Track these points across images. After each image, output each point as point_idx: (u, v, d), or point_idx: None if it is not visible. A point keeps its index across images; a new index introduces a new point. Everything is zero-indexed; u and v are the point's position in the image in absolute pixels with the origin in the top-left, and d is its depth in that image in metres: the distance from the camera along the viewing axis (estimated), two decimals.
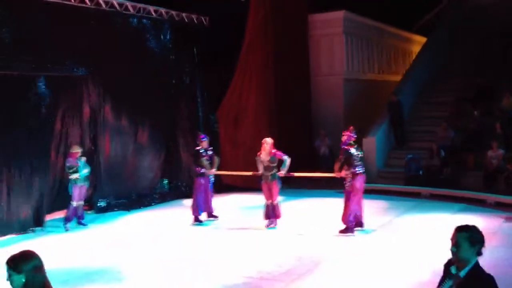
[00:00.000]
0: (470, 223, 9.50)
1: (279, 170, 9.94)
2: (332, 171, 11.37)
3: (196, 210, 10.57)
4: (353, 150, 9.28)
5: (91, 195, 11.79)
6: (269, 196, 9.90)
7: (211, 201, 10.86)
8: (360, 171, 9.29)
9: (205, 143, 10.67)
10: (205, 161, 10.59)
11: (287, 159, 9.86)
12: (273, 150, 9.85)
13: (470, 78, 16.98)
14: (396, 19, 19.93)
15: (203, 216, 10.72)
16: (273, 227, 9.89)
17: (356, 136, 9.60)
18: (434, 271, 7.10)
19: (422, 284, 6.68)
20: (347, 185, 9.32)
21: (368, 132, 15.22)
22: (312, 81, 16.86)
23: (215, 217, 10.87)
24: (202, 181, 10.60)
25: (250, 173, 10.88)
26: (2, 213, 9.84)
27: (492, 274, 6.77)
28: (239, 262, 7.90)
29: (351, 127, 9.51)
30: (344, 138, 9.37)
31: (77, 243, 9.40)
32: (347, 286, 6.69)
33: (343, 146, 9.41)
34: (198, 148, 10.67)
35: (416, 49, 21.14)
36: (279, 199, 10.06)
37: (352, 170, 9.23)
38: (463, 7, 20.51)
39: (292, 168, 15.33)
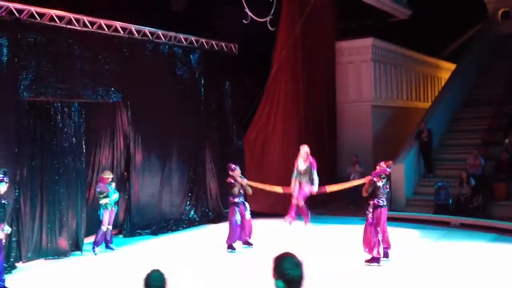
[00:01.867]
0: (501, 253, 9.42)
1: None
2: (358, 199, 11.37)
3: (230, 239, 10.48)
4: (379, 183, 9.23)
5: (122, 220, 11.93)
6: (298, 196, 9.67)
7: (248, 228, 10.68)
8: (382, 203, 9.23)
9: (237, 171, 10.63)
10: (238, 190, 10.58)
11: (316, 174, 9.78)
12: (310, 159, 9.81)
13: (501, 105, 16.79)
14: (424, 46, 19.94)
15: (238, 244, 10.60)
16: (290, 223, 9.64)
17: (390, 171, 9.50)
18: None
19: None
20: (369, 216, 9.25)
21: (397, 159, 15.09)
22: (339, 108, 16.90)
23: (250, 244, 10.77)
24: (237, 209, 10.54)
25: (280, 189, 10.69)
26: (38, 237, 10.00)
27: None
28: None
29: (390, 162, 9.41)
30: (378, 169, 9.27)
31: (105, 267, 9.51)
32: None
33: (373, 177, 9.31)
34: (229, 178, 10.62)
35: (445, 75, 21.05)
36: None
37: (376, 201, 9.18)
38: (493, 34, 20.42)
39: (319, 198, 15.44)
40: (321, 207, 15.28)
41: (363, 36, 17.06)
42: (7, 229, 8.01)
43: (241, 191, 10.67)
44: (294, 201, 9.72)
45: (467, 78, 18.69)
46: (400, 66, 18.68)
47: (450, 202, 13.73)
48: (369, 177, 9.39)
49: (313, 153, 14.76)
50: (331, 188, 10.63)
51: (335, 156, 16.50)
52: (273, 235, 12.07)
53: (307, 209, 9.82)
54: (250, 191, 10.87)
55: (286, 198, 14.57)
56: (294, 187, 9.81)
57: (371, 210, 9.21)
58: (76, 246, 10.54)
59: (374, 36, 17.11)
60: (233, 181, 10.54)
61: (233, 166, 10.67)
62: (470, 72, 18.88)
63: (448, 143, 16.76)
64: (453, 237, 11.30)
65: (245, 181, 10.75)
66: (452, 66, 20.61)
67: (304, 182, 9.69)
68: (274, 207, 14.50)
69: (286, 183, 14.56)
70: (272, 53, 14.94)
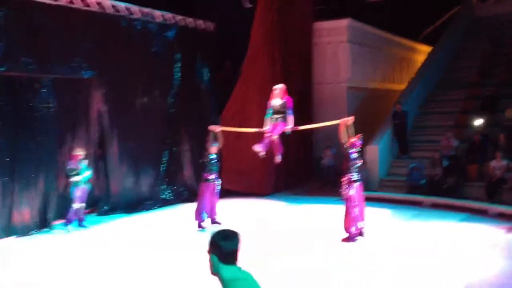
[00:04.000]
0: (473, 232, 9.56)
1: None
2: (334, 182, 11.27)
3: (200, 216, 10.52)
4: (353, 154, 9.30)
5: (96, 199, 11.81)
6: (272, 130, 9.54)
7: (215, 207, 10.81)
8: (355, 179, 9.30)
9: (214, 148, 10.67)
10: (214, 167, 10.61)
11: (292, 114, 9.66)
12: (286, 96, 9.72)
13: (475, 89, 16.98)
14: (401, 29, 20.00)
15: (207, 222, 10.68)
16: (260, 153, 9.58)
17: (361, 143, 9.56)
18: (435, 277, 7.14)
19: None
20: (343, 192, 9.32)
21: (371, 140, 15.20)
22: (316, 89, 16.90)
23: (218, 223, 10.83)
24: (208, 186, 10.58)
25: (255, 130, 10.65)
26: (8, 214, 9.86)
27: (492, 285, 6.83)
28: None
29: (359, 135, 9.47)
30: (348, 143, 9.35)
31: (78, 244, 9.41)
32: None
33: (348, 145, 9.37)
34: (208, 153, 10.64)
35: (420, 58, 21.17)
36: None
37: (350, 176, 9.24)
38: (468, 18, 20.58)
39: (292, 175, 15.48)
40: (296, 188, 15.40)
41: (340, 17, 17.00)
42: None
43: (216, 164, 10.67)
44: (267, 134, 9.62)
45: (443, 60, 18.84)
46: (377, 48, 18.70)
47: (423, 182, 13.90)
48: (343, 120, 9.42)
49: (290, 136, 14.76)
50: (304, 126, 10.58)
51: (311, 137, 16.55)
52: (247, 215, 12.13)
53: (279, 144, 9.74)
54: (221, 142, 10.82)
55: (264, 177, 14.69)
56: (269, 125, 9.71)
57: (345, 186, 9.28)
58: (45, 223, 10.42)
59: (353, 17, 17.06)
60: (211, 157, 10.59)
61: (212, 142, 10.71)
62: (446, 54, 19.03)
63: (422, 125, 16.91)
64: (425, 217, 11.45)
65: (218, 128, 10.79)
66: (428, 49, 20.74)
67: (279, 120, 9.61)
68: (250, 187, 14.56)
69: (262, 165, 14.65)
70: (249, 32, 14.80)
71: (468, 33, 19.78)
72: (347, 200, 9.29)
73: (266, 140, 9.61)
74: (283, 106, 9.67)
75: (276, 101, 9.71)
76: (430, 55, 19.50)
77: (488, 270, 7.65)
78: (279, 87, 9.78)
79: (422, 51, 21.71)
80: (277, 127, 9.61)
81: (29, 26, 10.17)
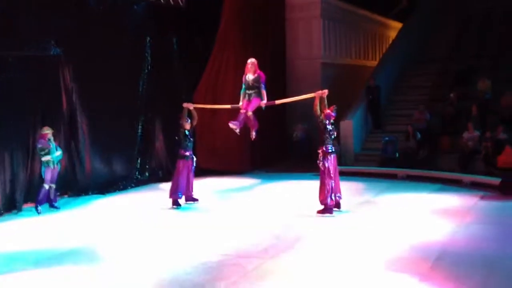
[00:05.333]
0: (446, 201, 9.69)
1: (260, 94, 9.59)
2: (307, 156, 11.15)
3: (176, 193, 10.37)
4: (329, 127, 9.25)
5: (66, 179, 11.53)
6: (246, 106, 9.49)
7: (192, 184, 10.67)
8: (331, 150, 9.26)
9: (188, 124, 10.51)
10: (189, 143, 10.46)
11: (265, 89, 9.56)
12: (258, 71, 9.63)
13: (447, 63, 17.10)
14: (373, 4, 19.96)
15: (182, 200, 10.55)
16: (236, 129, 9.49)
17: (335, 115, 9.50)
18: (411, 246, 7.17)
19: (400, 258, 6.69)
20: (320, 164, 9.28)
21: (346, 115, 15.20)
22: (289, 64, 16.80)
23: (195, 200, 10.71)
24: (184, 163, 10.42)
25: (229, 106, 10.50)
26: None
27: (467, 249, 6.88)
28: (215, 241, 7.79)
29: (333, 106, 9.40)
30: (323, 115, 9.29)
31: (48, 226, 9.16)
32: (326, 262, 6.63)
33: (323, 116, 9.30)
34: (183, 129, 10.47)
35: (393, 34, 21.19)
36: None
37: (324, 148, 9.20)
38: None
39: (266, 150, 15.37)
40: (272, 165, 15.34)
41: None
42: None
43: (191, 141, 10.57)
44: (242, 111, 9.53)
45: (416, 36, 18.88)
46: (350, 23, 18.65)
47: (397, 155, 13.98)
48: (318, 93, 9.37)
49: (261, 110, 14.70)
50: (280, 101, 10.49)
51: (284, 114, 16.48)
52: (223, 193, 12.04)
53: (254, 120, 9.65)
54: (195, 119, 10.70)
55: (239, 155, 14.58)
56: (243, 100, 9.62)
57: (321, 158, 9.24)
58: (14, 205, 10.18)
59: None
60: (186, 133, 10.46)
61: (186, 118, 10.54)
62: (419, 30, 19.08)
63: (396, 99, 17.02)
64: (399, 188, 11.54)
65: (191, 105, 10.68)
66: (400, 25, 20.76)
67: (253, 96, 9.53)
68: (225, 164, 14.45)
69: (237, 142, 14.53)
70: (220, 8, 14.57)
71: (440, 7, 19.81)
72: (322, 172, 9.25)
73: (241, 117, 9.52)
74: (256, 81, 9.58)
75: (249, 76, 9.61)
76: (402, 30, 19.54)
77: (463, 235, 7.72)
78: (251, 62, 9.68)
79: (394, 27, 21.73)
80: (252, 102, 9.53)
81: None
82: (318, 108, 9.33)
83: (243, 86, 9.72)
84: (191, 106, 10.67)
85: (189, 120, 10.57)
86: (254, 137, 9.89)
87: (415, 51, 18.64)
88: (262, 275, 6.22)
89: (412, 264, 6.46)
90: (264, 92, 9.62)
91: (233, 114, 13.76)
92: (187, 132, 10.51)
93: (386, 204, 10.07)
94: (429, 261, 6.54)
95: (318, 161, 9.33)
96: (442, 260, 6.61)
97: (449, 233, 7.81)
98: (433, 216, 8.93)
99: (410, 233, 7.86)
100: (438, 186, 11.60)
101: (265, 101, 9.61)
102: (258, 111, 9.81)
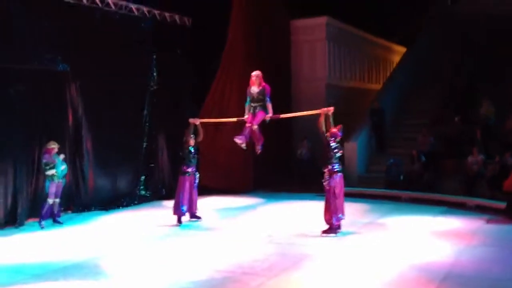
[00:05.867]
0: (451, 224, 9.59)
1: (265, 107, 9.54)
2: (311, 174, 10.98)
3: (179, 209, 10.30)
4: (332, 144, 9.21)
5: (70, 195, 11.51)
6: (252, 120, 9.42)
7: (195, 201, 10.62)
8: (337, 169, 9.21)
9: (192, 141, 10.50)
10: (193, 159, 10.44)
11: (270, 102, 9.52)
12: (263, 83, 9.54)
13: (450, 87, 17.16)
14: (378, 29, 20.13)
15: (186, 217, 10.48)
16: (242, 144, 9.42)
17: (341, 135, 9.47)
18: (417, 267, 7.09)
19: (405, 279, 6.62)
20: (325, 183, 9.22)
21: (350, 137, 15.20)
22: (294, 85, 16.89)
23: (198, 218, 10.65)
24: (186, 179, 10.39)
25: (235, 119, 10.44)
26: None
27: (473, 271, 6.80)
28: (219, 258, 7.73)
29: (340, 126, 9.36)
30: (329, 133, 9.26)
31: (52, 240, 9.13)
32: (330, 282, 6.57)
33: (328, 134, 9.26)
34: (187, 145, 10.45)
35: (396, 59, 21.36)
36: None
37: (330, 167, 9.15)
38: (443, 16, 20.80)
39: (269, 168, 15.32)
40: (276, 184, 15.26)
41: (317, 15, 17.03)
42: None
43: (194, 157, 10.55)
44: (247, 125, 9.48)
45: (419, 59, 18.98)
46: (354, 47, 18.78)
47: (401, 178, 13.94)
48: (323, 110, 9.33)
49: (266, 129, 14.72)
50: (285, 115, 10.44)
51: (289, 132, 16.48)
52: (227, 211, 11.99)
53: (260, 134, 9.59)
54: (201, 135, 10.70)
55: (243, 173, 14.53)
56: (248, 114, 9.57)
57: (327, 178, 9.19)
58: (17, 220, 10.18)
59: (330, 15, 17.09)
60: (191, 149, 10.48)
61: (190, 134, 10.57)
62: (422, 53, 19.18)
63: (400, 123, 17.03)
64: (403, 211, 11.47)
65: (198, 121, 10.67)
66: (403, 50, 20.93)
67: (258, 109, 9.48)
68: (230, 182, 14.39)
69: (240, 160, 14.51)
70: (227, 27, 14.71)
71: (443, 31, 19.95)
72: (327, 192, 9.20)
73: (247, 131, 9.48)
74: (261, 93, 9.54)
75: (254, 89, 9.59)
76: (406, 53, 19.68)
77: (470, 257, 7.65)
78: (255, 74, 9.65)
79: (398, 51, 21.90)
80: (257, 116, 9.49)
81: (2, 16, 9.87)
82: (323, 124, 9.30)
83: (248, 99, 9.69)
84: (197, 121, 10.67)
85: (194, 136, 10.57)
86: (259, 151, 9.83)
87: (418, 74, 18.71)
88: None
89: (417, 285, 6.39)
90: (269, 105, 9.58)
91: (237, 130, 13.85)
92: (191, 149, 10.49)
93: (391, 226, 9.99)
94: (435, 282, 6.47)
95: (323, 180, 9.28)
96: (447, 281, 6.54)
97: (454, 255, 7.74)
98: (438, 238, 8.86)
99: (415, 255, 7.79)
100: (442, 209, 11.53)
101: (270, 114, 9.58)
102: (263, 126, 9.79)
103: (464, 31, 18.68)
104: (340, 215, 9.27)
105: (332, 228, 9.12)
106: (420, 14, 22.38)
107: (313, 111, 9.82)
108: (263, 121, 9.60)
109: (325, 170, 9.23)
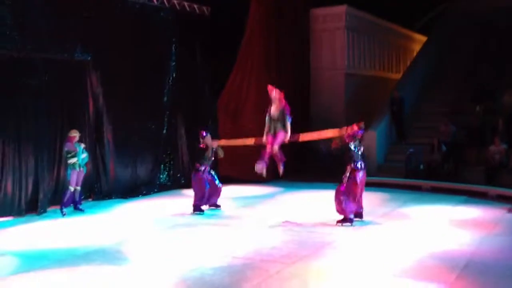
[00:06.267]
0: (472, 213, 9.52)
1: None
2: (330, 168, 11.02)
3: (200, 201, 10.34)
4: (352, 145, 9.10)
5: (91, 183, 11.67)
6: (272, 141, 9.42)
7: (219, 192, 10.72)
8: (359, 167, 9.13)
9: (208, 137, 10.51)
10: (210, 153, 10.48)
11: (289, 121, 9.46)
12: (283, 102, 9.45)
13: (471, 76, 16.93)
14: (398, 17, 19.89)
15: (205, 206, 10.54)
16: (262, 171, 9.46)
17: (362, 132, 9.34)
18: (437, 256, 7.05)
19: (425, 267, 6.60)
20: (344, 179, 9.14)
21: (369, 126, 15.10)
22: (313, 74, 16.82)
23: (218, 206, 10.72)
24: (198, 175, 10.41)
25: (252, 140, 10.42)
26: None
27: (494, 260, 6.74)
28: (238, 245, 7.78)
29: (361, 123, 9.20)
30: (350, 131, 9.15)
31: (74, 227, 9.27)
32: (349, 269, 6.56)
33: (346, 138, 9.17)
34: (202, 145, 10.46)
35: (417, 47, 21.10)
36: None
37: (352, 165, 9.09)
38: (464, 5, 20.46)
39: (290, 160, 15.24)
40: (292, 176, 15.22)
41: (337, 3, 16.90)
42: None
43: (211, 157, 10.59)
44: (268, 148, 9.48)
45: (440, 48, 18.76)
46: (374, 35, 18.60)
47: (421, 167, 13.83)
48: (342, 130, 9.27)
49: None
50: (304, 137, 10.37)
51: (309, 124, 16.41)
52: (246, 200, 12.04)
53: (281, 155, 9.57)
54: (221, 153, 10.86)
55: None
56: (268, 134, 9.56)
57: (347, 174, 9.10)
58: (39, 207, 10.33)
59: (349, 4, 16.95)
60: (205, 146, 10.47)
61: (204, 133, 10.58)
62: (443, 42, 18.94)
63: (420, 111, 16.88)
64: (424, 200, 11.38)
65: (216, 143, 10.76)
66: (424, 39, 20.67)
67: (279, 129, 9.46)
68: (248, 173, 14.40)
69: (258, 151, 14.50)
70: (246, 16, 14.67)
71: (464, 21, 19.65)
72: (342, 186, 9.13)
73: (266, 156, 9.49)
74: (281, 113, 9.52)
75: (274, 109, 9.51)
76: (427, 42, 19.43)
77: (492, 246, 7.58)
78: (275, 93, 9.51)
79: (419, 40, 21.63)
80: (277, 138, 9.47)
81: (23, 6, 9.99)
82: (337, 142, 9.26)
83: (267, 119, 9.63)
84: (215, 144, 10.64)
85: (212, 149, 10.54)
86: (282, 172, 9.75)
87: (439, 63, 18.50)
88: (285, 279, 6.20)
89: (438, 273, 6.35)
90: (288, 125, 9.53)
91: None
92: (205, 154, 10.45)
93: (411, 215, 9.93)
94: (456, 271, 6.43)
95: (343, 175, 9.15)
96: (468, 270, 6.49)
97: (475, 244, 7.67)
98: (458, 227, 8.78)
99: (435, 243, 7.74)
100: (463, 198, 11.43)
101: (289, 134, 9.56)
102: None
103: (485, 18, 18.38)
104: (358, 207, 9.22)
105: (346, 218, 9.08)
106: (440, 1, 22.10)
107: (331, 131, 9.63)
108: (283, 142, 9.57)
109: (347, 167, 9.11)
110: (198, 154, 10.69)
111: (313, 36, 16.98)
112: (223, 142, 11.37)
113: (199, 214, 10.25)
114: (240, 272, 6.48)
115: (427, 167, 13.74)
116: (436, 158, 13.77)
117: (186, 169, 13.61)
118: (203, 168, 10.44)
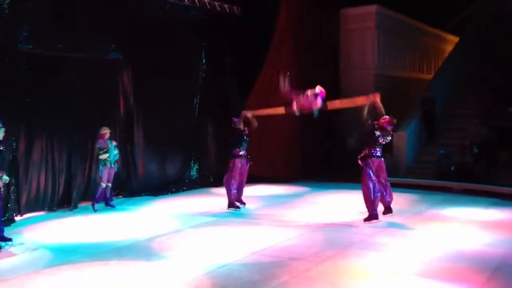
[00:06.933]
0: (505, 216, 9.36)
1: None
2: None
3: (230, 194, 10.39)
4: (377, 132, 9.08)
5: (121, 180, 11.85)
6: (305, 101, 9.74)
7: (243, 186, 10.74)
8: (375, 154, 9.09)
9: (239, 122, 10.60)
10: (244, 143, 10.54)
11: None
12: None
13: (503, 77, 16.62)
14: (429, 17, 19.65)
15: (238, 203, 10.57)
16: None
17: (392, 128, 9.33)
18: (468, 257, 6.96)
19: (456, 269, 6.52)
20: (363, 166, 9.13)
21: (399, 127, 14.95)
22: (342, 75, 16.74)
23: (243, 203, 10.79)
24: (239, 162, 10.47)
25: (282, 109, 10.56)
26: (32, 190, 10.04)
27: None
28: (267, 243, 7.80)
29: (391, 119, 9.15)
30: (377, 122, 9.15)
31: (105, 222, 9.44)
32: (378, 269, 6.52)
33: (381, 120, 9.14)
34: (239, 130, 10.56)
35: (448, 48, 20.81)
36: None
37: (368, 150, 9.08)
38: (496, 6, 20.10)
39: (315, 159, 15.30)
40: (319, 175, 15.20)
41: (367, 3, 16.79)
42: (6, 178, 7.85)
43: (247, 138, 10.62)
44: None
45: (472, 50, 18.46)
46: (405, 35, 18.42)
47: (452, 169, 13.64)
48: (369, 96, 9.26)
49: (313, 120, 14.68)
50: (331, 105, 10.35)
51: (338, 124, 16.37)
52: (273, 199, 12.07)
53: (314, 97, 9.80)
54: (255, 123, 10.85)
55: (288, 164, 14.56)
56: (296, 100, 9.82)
57: (363, 160, 9.12)
58: (72, 202, 10.59)
59: (380, 4, 16.83)
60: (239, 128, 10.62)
61: (235, 119, 10.73)
62: (473, 44, 18.65)
63: (451, 113, 16.63)
64: (455, 202, 11.22)
65: (249, 114, 10.79)
66: (456, 40, 20.36)
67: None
68: (276, 172, 14.45)
69: (289, 151, 14.57)
70: (276, 17, 14.68)
71: (495, 23, 19.30)
72: (363, 176, 9.09)
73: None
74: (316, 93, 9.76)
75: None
76: (458, 44, 19.14)
77: None
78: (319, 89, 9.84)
79: (451, 41, 21.33)
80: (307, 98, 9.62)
81: (57, 5, 10.20)
82: (365, 113, 9.20)
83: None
84: (249, 114, 10.75)
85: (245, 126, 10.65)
86: (321, 106, 9.81)
87: (470, 65, 18.21)
88: (313, 277, 6.20)
89: (469, 275, 6.27)
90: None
91: (283, 120, 13.82)
92: (243, 133, 10.56)
93: (441, 216, 9.81)
94: (487, 273, 6.34)
95: (359, 161, 9.18)
96: (500, 272, 6.40)
97: (507, 246, 7.55)
98: (490, 229, 8.64)
99: (466, 245, 7.64)
100: (495, 200, 11.24)
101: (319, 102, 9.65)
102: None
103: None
104: (383, 198, 9.17)
105: (372, 215, 9.04)
106: (471, 1, 21.74)
107: (361, 98, 9.66)
108: (311, 114, 9.63)
109: (363, 152, 9.14)
110: (234, 140, 10.68)
111: (342, 36, 16.91)
112: (256, 112, 11.42)
113: (235, 211, 10.30)
114: (269, 269, 6.51)
115: (458, 169, 13.53)
116: (467, 160, 13.56)
117: (215, 168, 13.70)
118: (242, 152, 10.49)
